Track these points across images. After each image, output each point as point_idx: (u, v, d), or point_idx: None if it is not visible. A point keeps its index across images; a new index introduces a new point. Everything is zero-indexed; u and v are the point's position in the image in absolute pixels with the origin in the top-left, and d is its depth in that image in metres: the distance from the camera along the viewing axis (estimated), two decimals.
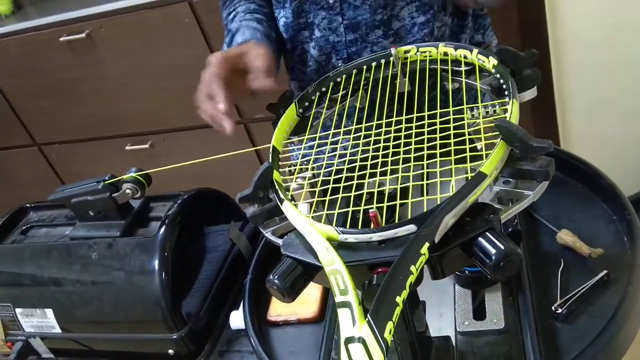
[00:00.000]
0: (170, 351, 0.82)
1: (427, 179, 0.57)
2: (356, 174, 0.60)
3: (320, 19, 0.87)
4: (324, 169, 0.64)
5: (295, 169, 0.64)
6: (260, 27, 0.86)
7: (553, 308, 0.67)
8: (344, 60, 0.89)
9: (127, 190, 0.82)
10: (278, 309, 0.80)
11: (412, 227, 0.48)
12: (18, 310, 0.89)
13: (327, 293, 0.80)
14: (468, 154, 0.55)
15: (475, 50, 0.67)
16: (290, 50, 0.94)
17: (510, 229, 0.70)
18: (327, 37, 0.88)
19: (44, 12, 1.81)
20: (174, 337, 0.80)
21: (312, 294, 0.79)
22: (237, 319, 0.83)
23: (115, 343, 0.87)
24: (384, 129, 0.63)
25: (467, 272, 0.70)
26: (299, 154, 0.67)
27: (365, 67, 0.74)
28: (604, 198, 0.79)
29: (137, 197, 0.83)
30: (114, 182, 0.83)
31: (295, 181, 0.63)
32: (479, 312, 0.69)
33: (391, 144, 0.61)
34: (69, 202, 0.85)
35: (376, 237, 0.49)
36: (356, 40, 0.87)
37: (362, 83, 0.74)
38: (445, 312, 0.71)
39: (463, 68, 0.68)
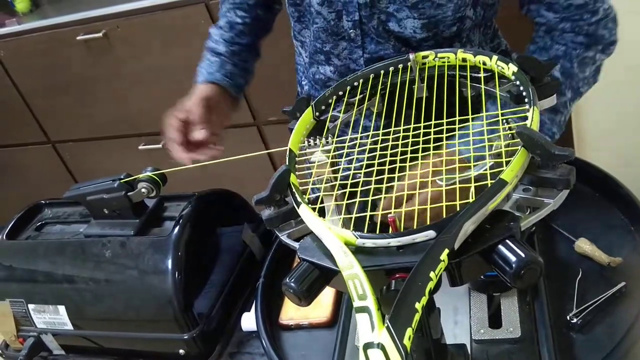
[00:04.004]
0: (181, 351, 0.82)
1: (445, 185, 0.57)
2: (373, 178, 0.59)
3: (341, 49, 0.85)
4: (341, 172, 0.64)
5: (313, 172, 0.64)
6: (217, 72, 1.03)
7: (568, 318, 0.66)
8: None
9: (143, 189, 0.82)
10: (290, 313, 0.80)
11: (431, 233, 0.47)
12: (31, 306, 0.89)
13: (340, 298, 0.79)
14: (487, 160, 0.55)
15: (495, 57, 0.66)
16: (307, 65, 0.93)
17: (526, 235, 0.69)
18: (348, 65, 0.87)
19: (62, 10, 1.82)
20: (185, 337, 0.81)
21: (324, 298, 0.79)
22: (248, 321, 0.83)
23: (127, 341, 0.87)
24: (401, 134, 0.63)
25: (482, 276, 0.69)
26: (315, 157, 0.67)
27: (382, 71, 0.74)
28: (621, 207, 0.79)
29: (152, 196, 0.83)
30: (130, 180, 0.83)
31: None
32: (495, 320, 0.68)
33: (409, 149, 0.61)
34: (84, 199, 0.86)
35: (394, 242, 0.49)
36: None
37: (379, 87, 0.73)
38: (461, 319, 0.71)
39: (482, 74, 0.67)
